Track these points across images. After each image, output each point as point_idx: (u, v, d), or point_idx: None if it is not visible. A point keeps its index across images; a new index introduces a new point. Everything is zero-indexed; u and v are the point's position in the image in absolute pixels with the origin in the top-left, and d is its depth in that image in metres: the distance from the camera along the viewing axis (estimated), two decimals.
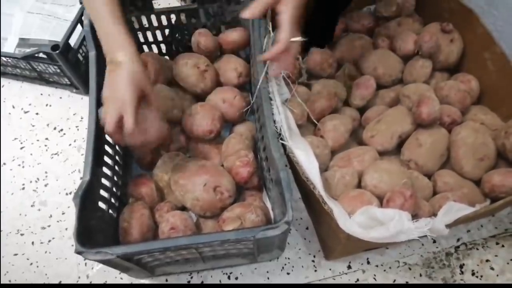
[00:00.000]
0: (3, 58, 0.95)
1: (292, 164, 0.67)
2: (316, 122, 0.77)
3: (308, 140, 0.68)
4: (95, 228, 0.62)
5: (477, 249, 0.79)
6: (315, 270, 0.78)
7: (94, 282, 0.78)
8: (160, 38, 0.91)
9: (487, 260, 0.78)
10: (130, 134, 0.59)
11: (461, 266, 0.77)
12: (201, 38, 0.84)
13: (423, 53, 0.80)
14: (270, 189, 0.74)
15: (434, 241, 0.80)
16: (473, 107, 0.80)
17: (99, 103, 0.70)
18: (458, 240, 0.80)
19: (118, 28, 0.60)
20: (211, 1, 0.83)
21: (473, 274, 0.77)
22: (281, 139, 0.65)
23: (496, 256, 0.78)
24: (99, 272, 0.79)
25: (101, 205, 0.67)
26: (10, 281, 0.79)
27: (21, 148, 0.95)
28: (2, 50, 0.99)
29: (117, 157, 0.76)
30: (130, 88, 0.57)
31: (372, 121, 0.77)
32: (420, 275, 0.77)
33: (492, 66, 0.78)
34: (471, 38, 0.81)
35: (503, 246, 0.79)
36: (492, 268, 0.77)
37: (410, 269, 0.77)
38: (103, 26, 0.60)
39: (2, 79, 1.05)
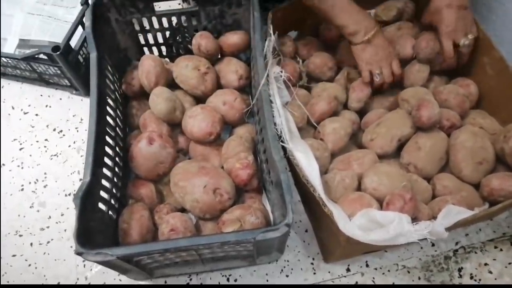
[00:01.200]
0: (3, 59, 0.95)
1: (292, 167, 0.67)
2: (316, 125, 0.77)
3: (308, 143, 0.68)
4: (95, 229, 0.62)
5: (476, 252, 0.79)
6: (314, 273, 0.78)
7: (93, 283, 0.78)
8: (161, 40, 0.92)
9: (485, 264, 0.78)
10: None
11: (460, 270, 0.78)
12: (202, 40, 0.84)
13: (420, 60, 0.80)
14: (269, 192, 0.74)
15: (433, 245, 0.80)
16: (472, 111, 0.80)
17: (100, 104, 0.70)
18: (456, 243, 0.80)
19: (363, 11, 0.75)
20: (212, 4, 0.83)
21: (471, 277, 0.77)
22: (282, 141, 0.66)
23: (494, 259, 0.78)
24: (97, 273, 0.79)
25: (101, 206, 0.67)
26: (8, 282, 0.78)
27: (21, 149, 0.94)
28: (2, 51, 0.99)
29: (117, 159, 0.76)
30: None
31: (372, 125, 0.78)
32: (419, 278, 0.77)
33: (491, 71, 0.78)
34: None
35: (501, 250, 0.79)
36: (490, 272, 0.77)
37: (409, 272, 0.78)
38: (348, 11, 0.73)
39: (2, 79, 1.04)
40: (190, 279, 0.77)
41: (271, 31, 0.76)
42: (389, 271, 0.78)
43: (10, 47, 1.02)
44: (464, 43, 0.76)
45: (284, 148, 0.66)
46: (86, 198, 0.60)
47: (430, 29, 0.80)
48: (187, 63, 0.82)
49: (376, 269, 0.78)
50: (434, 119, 0.71)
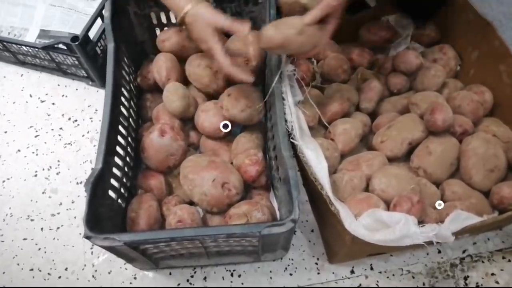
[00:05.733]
0: (24, 48, 0.97)
1: (301, 166, 0.67)
2: (327, 125, 0.77)
3: (318, 142, 0.68)
4: (104, 215, 0.63)
5: (483, 262, 0.78)
6: (318, 273, 0.78)
7: (99, 270, 0.79)
8: None
9: (492, 274, 0.77)
10: None
11: (466, 278, 0.77)
12: None
13: None
14: (277, 189, 0.74)
15: (439, 251, 0.79)
16: (485, 119, 0.79)
17: (115, 93, 0.71)
18: (464, 251, 0.79)
19: None
20: (229, 1, 0.84)
21: (477, 286, 0.76)
22: (292, 138, 0.66)
23: (501, 270, 0.77)
24: (104, 261, 0.80)
25: (111, 193, 0.68)
26: (18, 264, 0.80)
27: (36, 136, 0.97)
28: (23, 40, 1.01)
29: (129, 149, 0.77)
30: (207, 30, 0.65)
31: (383, 127, 0.77)
32: (424, 284, 0.76)
33: (507, 79, 0.78)
34: (487, 50, 0.81)
35: (509, 260, 0.78)
36: (497, 282, 0.76)
37: (413, 277, 0.77)
38: None
39: (21, 68, 1.07)
40: (195, 272, 0.78)
41: None
42: (393, 275, 0.77)
43: (31, 37, 1.04)
44: None
45: (294, 147, 0.66)
46: (97, 185, 0.61)
47: None
48: (200, 62, 0.82)
49: (380, 272, 0.78)
50: (449, 122, 0.70)
